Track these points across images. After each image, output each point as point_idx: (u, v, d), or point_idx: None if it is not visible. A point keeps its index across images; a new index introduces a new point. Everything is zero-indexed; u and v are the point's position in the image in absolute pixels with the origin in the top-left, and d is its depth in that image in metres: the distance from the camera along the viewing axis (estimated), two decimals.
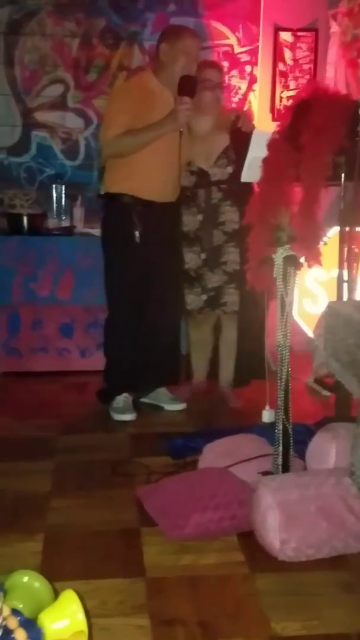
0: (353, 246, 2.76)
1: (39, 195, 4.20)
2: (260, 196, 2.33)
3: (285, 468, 2.29)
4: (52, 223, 4.09)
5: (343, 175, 2.52)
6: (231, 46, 4.37)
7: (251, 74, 4.41)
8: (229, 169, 3.16)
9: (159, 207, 3.07)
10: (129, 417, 3.17)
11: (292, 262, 2.23)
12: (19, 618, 1.30)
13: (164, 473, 2.53)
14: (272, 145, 2.27)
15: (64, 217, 4.14)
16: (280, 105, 4.39)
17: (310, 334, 3.75)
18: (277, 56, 4.38)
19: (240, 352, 3.31)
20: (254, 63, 4.40)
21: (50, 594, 1.43)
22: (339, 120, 2.23)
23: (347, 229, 2.73)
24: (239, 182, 2.67)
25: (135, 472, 2.58)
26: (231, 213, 3.20)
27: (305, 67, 4.41)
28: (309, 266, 2.27)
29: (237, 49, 4.38)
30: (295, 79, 4.40)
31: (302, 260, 2.25)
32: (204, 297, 3.30)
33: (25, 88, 4.26)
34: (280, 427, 2.27)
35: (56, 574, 1.77)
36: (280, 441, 2.28)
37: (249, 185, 2.72)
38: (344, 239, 2.72)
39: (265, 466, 2.36)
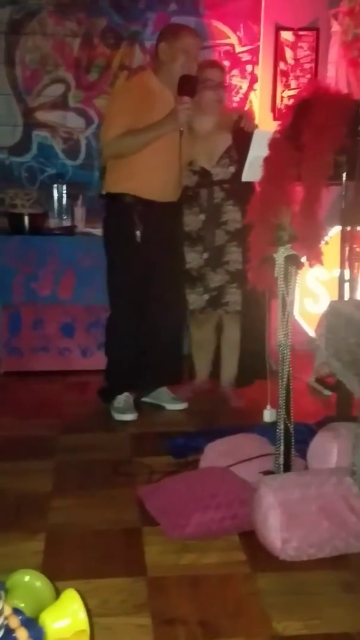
0: (354, 245, 2.76)
1: (40, 195, 4.21)
2: (261, 195, 2.33)
3: (287, 467, 2.29)
4: (53, 223, 4.09)
5: (344, 174, 2.51)
6: (232, 45, 4.37)
7: (252, 73, 4.41)
8: (232, 169, 3.16)
9: (160, 207, 3.07)
10: (129, 417, 3.17)
11: (293, 262, 2.22)
12: (20, 617, 1.30)
13: (165, 472, 2.53)
14: (273, 144, 2.27)
15: (65, 217, 4.14)
16: (281, 104, 4.39)
17: (311, 333, 3.74)
18: (278, 55, 4.38)
19: (244, 352, 3.30)
20: (255, 62, 4.40)
21: (51, 593, 1.43)
22: (340, 119, 2.23)
23: (349, 228, 2.73)
24: (241, 181, 2.67)
25: (137, 472, 2.58)
26: (233, 213, 3.20)
27: (307, 66, 4.41)
28: (310, 265, 2.27)
29: (238, 49, 4.38)
30: (296, 78, 4.40)
31: (303, 259, 2.25)
32: (206, 296, 3.30)
33: (26, 88, 4.26)
34: (282, 426, 2.27)
35: (57, 574, 1.77)
36: (282, 441, 2.28)
37: (251, 184, 2.72)
38: (345, 238, 2.72)
39: (267, 466, 2.36)
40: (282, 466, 2.29)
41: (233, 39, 4.36)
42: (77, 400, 3.49)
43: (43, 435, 2.97)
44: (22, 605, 1.36)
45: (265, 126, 3.26)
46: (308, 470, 2.37)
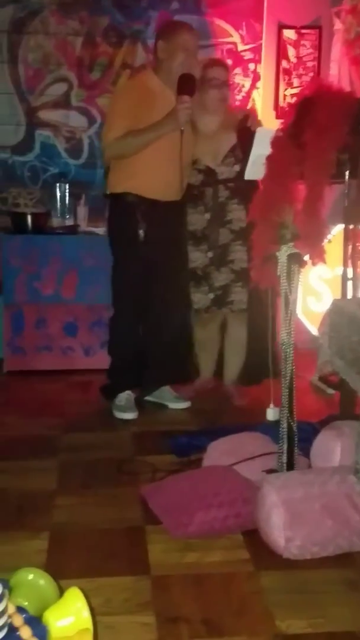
0: (357, 244, 2.76)
1: (42, 194, 4.21)
2: (263, 194, 2.32)
3: (290, 466, 2.29)
4: (56, 222, 4.10)
5: (347, 172, 2.51)
6: (235, 44, 4.36)
7: (255, 71, 4.41)
8: (236, 168, 3.16)
9: (163, 206, 3.07)
10: (130, 415, 3.17)
11: (296, 260, 2.22)
12: (24, 615, 1.30)
13: (168, 471, 2.53)
14: (276, 142, 2.27)
15: (67, 216, 4.14)
16: (283, 103, 4.38)
17: (314, 332, 3.74)
18: (281, 54, 4.37)
19: (251, 351, 3.29)
20: (257, 61, 4.40)
21: (55, 592, 1.43)
22: (343, 117, 2.23)
23: (352, 226, 2.72)
24: (246, 180, 2.67)
25: (140, 471, 2.58)
26: (238, 211, 3.20)
27: (309, 64, 4.40)
28: (313, 264, 2.27)
29: (240, 47, 4.37)
30: (299, 76, 4.39)
31: (306, 258, 2.25)
32: (211, 295, 3.30)
33: (28, 87, 4.26)
34: (285, 425, 2.27)
35: (61, 572, 1.77)
36: (285, 439, 2.28)
37: (256, 183, 2.72)
38: (348, 236, 2.72)
39: (270, 464, 2.36)
40: (285, 465, 2.29)
41: (235, 37, 4.36)
42: (80, 399, 3.49)
43: (46, 434, 2.98)
44: (26, 603, 1.36)
45: (268, 124, 3.25)
46: (311, 468, 2.36)
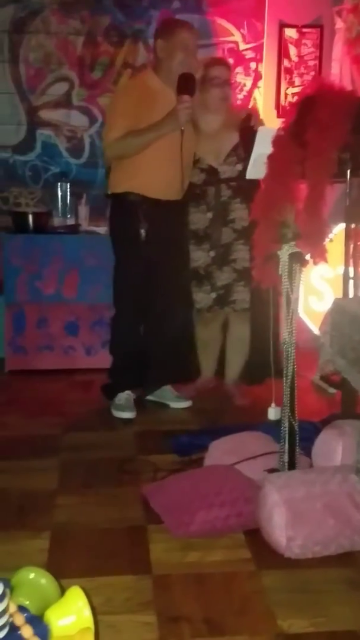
0: (359, 243, 2.75)
1: (44, 193, 4.21)
2: (265, 193, 2.32)
3: (292, 465, 2.29)
4: (57, 221, 4.10)
5: (349, 171, 2.51)
6: (236, 43, 4.36)
7: (256, 70, 4.41)
8: (239, 167, 3.15)
9: (165, 205, 3.07)
10: (128, 414, 3.17)
11: (297, 259, 2.22)
12: (25, 615, 1.30)
13: (169, 470, 2.53)
14: (277, 142, 2.27)
15: (69, 216, 4.14)
16: (285, 102, 4.38)
17: (316, 331, 3.74)
18: (282, 53, 4.37)
19: (255, 350, 3.29)
20: (258, 60, 4.40)
21: (56, 591, 1.43)
22: (344, 116, 2.23)
23: (353, 225, 2.72)
24: (248, 179, 2.66)
25: (141, 470, 2.58)
26: (240, 210, 3.19)
27: (310, 63, 4.40)
28: (315, 263, 2.27)
29: (242, 46, 4.37)
30: (300, 75, 4.39)
31: (307, 257, 2.25)
32: (214, 295, 3.29)
33: (30, 86, 4.26)
34: (286, 424, 2.27)
35: (62, 572, 1.77)
36: (286, 438, 2.28)
37: (258, 182, 2.71)
38: (349, 235, 2.71)
39: (271, 464, 2.36)
40: (286, 464, 2.28)
41: (237, 37, 4.36)
42: (81, 398, 3.49)
43: (47, 433, 2.98)
44: (27, 602, 1.36)
45: (269, 124, 3.25)
46: (313, 468, 2.36)
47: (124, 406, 3.20)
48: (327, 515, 2.01)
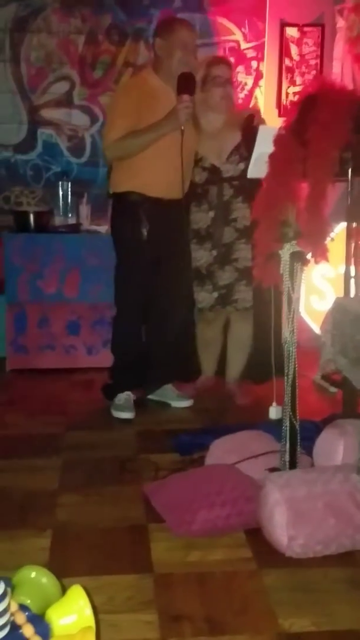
0: None
1: (45, 192, 4.21)
2: (266, 192, 2.32)
3: (293, 464, 2.29)
4: (58, 220, 4.10)
5: (350, 170, 2.50)
6: (237, 42, 4.36)
7: (257, 69, 4.40)
8: (241, 166, 3.15)
9: (166, 205, 3.07)
10: (127, 415, 3.16)
11: (298, 258, 2.22)
12: (26, 613, 1.30)
13: (171, 470, 2.53)
14: (279, 141, 2.27)
15: (70, 215, 4.14)
16: (286, 101, 4.38)
17: (317, 330, 3.74)
18: (284, 52, 4.37)
19: (259, 349, 3.28)
20: (260, 59, 4.40)
21: (57, 590, 1.43)
22: (346, 115, 2.22)
23: (354, 224, 2.72)
24: (250, 178, 2.66)
25: (143, 469, 2.58)
26: (243, 210, 3.19)
27: (312, 62, 4.40)
28: (316, 262, 2.26)
29: (243, 45, 4.37)
30: (302, 74, 4.39)
31: (309, 256, 2.24)
32: (215, 294, 3.29)
33: (31, 85, 4.27)
34: (288, 423, 2.27)
35: (64, 571, 1.77)
36: (288, 438, 2.28)
37: (260, 181, 2.71)
38: (351, 234, 2.71)
39: (273, 463, 2.36)
40: (287, 463, 2.28)
41: (238, 35, 4.35)
42: (82, 397, 3.49)
43: (49, 432, 2.98)
44: (29, 601, 1.36)
45: (271, 123, 3.25)
46: (314, 467, 2.36)
47: (123, 406, 3.20)
48: (329, 515, 2.01)
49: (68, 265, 3.84)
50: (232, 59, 4.22)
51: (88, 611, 1.35)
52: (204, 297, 3.30)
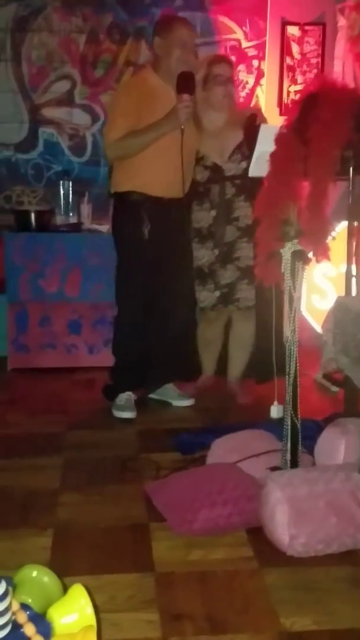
0: None
1: (46, 191, 4.21)
2: (268, 191, 2.32)
3: (294, 463, 2.28)
4: (59, 220, 4.10)
5: (351, 169, 2.50)
6: (238, 41, 4.36)
7: (258, 68, 4.40)
8: (243, 164, 3.14)
9: (167, 204, 3.07)
10: (128, 414, 3.16)
11: (300, 257, 2.22)
12: (28, 612, 1.30)
13: (172, 469, 2.53)
14: (280, 139, 2.26)
15: (71, 214, 4.14)
16: (287, 99, 4.38)
17: (318, 329, 3.74)
18: (285, 50, 4.37)
19: (261, 348, 3.27)
20: (261, 57, 4.39)
21: (59, 589, 1.43)
22: (347, 114, 2.22)
23: (356, 223, 2.72)
24: (252, 177, 2.66)
25: (144, 468, 2.58)
26: (245, 208, 3.19)
27: (313, 61, 4.39)
28: (317, 261, 2.26)
29: (244, 44, 4.37)
30: (303, 73, 4.38)
31: (310, 255, 2.24)
32: (217, 293, 3.29)
33: (32, 85, 4.27)
34: (289, 422, 2.27)
35: (65, 570, 1.78)
36: (289, 437, 2.28)
37: (262, 180, 2.71)
38: (352, 233, 2.71)
39: (274, 462, 2.36)
40: (289, 462, 2.28)
41: (239, 34, 4.35)
42: (84, 397, 3.49)
43: (50, 431, 2.98)
44: (30, 600, 1.36)
45: (272, 121, 3.25)
46: (315, 466, 2.36)
47: (124, 406, 3.20)
48: (330, 514, 2.01)
49: (69, 265, 3.84)
50: (233, 58, 4.23)
51: (89, 610, 1.35)
52: (205, 296, 3.30)
